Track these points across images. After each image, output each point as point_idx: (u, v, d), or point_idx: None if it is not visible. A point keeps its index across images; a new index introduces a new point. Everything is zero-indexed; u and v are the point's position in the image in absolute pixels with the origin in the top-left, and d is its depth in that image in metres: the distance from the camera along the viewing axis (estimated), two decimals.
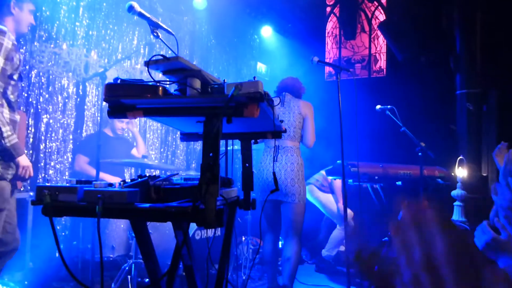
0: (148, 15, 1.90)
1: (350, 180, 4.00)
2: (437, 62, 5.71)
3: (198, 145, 5.71)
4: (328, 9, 7.38)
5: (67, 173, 4.11)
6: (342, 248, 4.90)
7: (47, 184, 1.35)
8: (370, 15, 7.05)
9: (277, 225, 3.57)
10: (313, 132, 3.54)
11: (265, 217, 3.55)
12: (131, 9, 1.88)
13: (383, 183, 4.10)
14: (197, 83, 1.27)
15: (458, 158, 3.96)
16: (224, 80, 1.28)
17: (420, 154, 3.85)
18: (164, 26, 1.92)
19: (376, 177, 3.98)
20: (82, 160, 3.99)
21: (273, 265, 3.59)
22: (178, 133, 2.03)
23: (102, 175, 3.84)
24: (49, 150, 3.98)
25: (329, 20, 7.39)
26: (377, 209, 4.38)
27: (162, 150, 5.29)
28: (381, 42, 6.96)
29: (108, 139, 4.07)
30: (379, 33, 6.82)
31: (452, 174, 4.15)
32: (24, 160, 2.41)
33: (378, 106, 4.10)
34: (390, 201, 4.35)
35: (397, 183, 4.09)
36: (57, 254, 3.58)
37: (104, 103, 2.00)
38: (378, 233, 4.46)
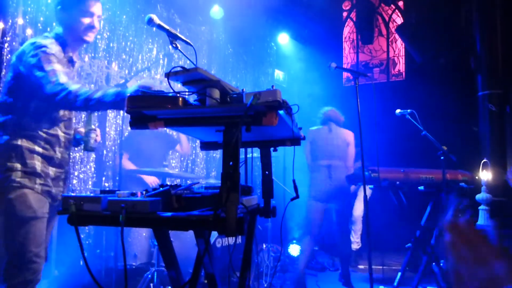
0: (167, 27, 1.94)
1: (371, 186, 3.96)
2: (457, 64, 5.62)
3: (217, 153, 5.74)
4: (345, 14, 7.37)
5: (90, 183, 4.19)
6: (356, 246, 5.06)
7: (72, 194, 1.39)
8: (387, 19, 7.00)
9: (319, 230, 4.31)
10: (353, 156, 4.44)
11: (311, 222, 4.26)
12: (150, 21, 1.92)
13: (405, 188, 4.04)
14: (216, 93, 1.29)
15: (482, 161, 3.87)
16: (242, 90, 1.29)
17: (442, 158, 3.78)
18: (182, 37, 1.96)
19: (398, 182, 3.93)
20: (124, 157, 4.10)
21: (304, 268, 4.18)
22: (198, 141, 2.05)
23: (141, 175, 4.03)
24: (73, 160, 4.07)
25: (345, 25, 7.37)
26: (399, 214, 4.32)
27: (182, 158, 5.34)
28: (399, 45, 6.90)
29: (149, 136, 4.20)
30: (397, 36, 6.76)
31: (476, 177, 4.05)
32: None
33: (397, 110, 4.04)
34: (412, 206, 4.28)
35: (419, 188, 4.03)
36: (81, 262, 3.65)
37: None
38: (401, 238, 4.39)
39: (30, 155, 2.14)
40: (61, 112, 2.28)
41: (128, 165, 4.08)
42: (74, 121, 2.45)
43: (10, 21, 3.48)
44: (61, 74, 2.07)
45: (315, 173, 4.41)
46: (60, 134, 2.29)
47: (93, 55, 4.27)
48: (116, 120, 4.47)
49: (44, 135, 2.20)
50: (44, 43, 2.15)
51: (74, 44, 2.33)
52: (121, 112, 4.40)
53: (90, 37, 2.33)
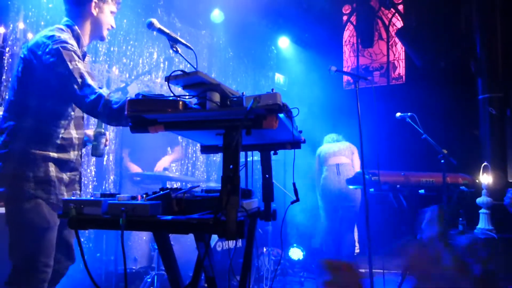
0: (167, 31, 1.94)
1: (372, 189, 3.95)
2: (457, 67, 5.62)
3: (217, 157, 5.75)
4: (345, 18, 7.39)
5: (90, 186, 4.19)
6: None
7: (73, 198, 1.39)
8: (387, 22, 7.02)
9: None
10: (359, 164, 4.66)
11: (329, 224, 4.77)
12: (150, 25, 1.92)
13: (405, 191, 4.03)
14: (216, 97, 1.29)
15: (483, 165, 3.87)
16: (242, 93, 1.30)
17: (442, 161, 3.78)
18: (182, 41, 1.96)
19: (398, 186, 3.92)
20: (125, 154, 4.11)
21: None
22: (198, 145, 2.05)
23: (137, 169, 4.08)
24: None
25: (346, 29, 7.39)
26: (399, 217, 4.31)
27: (182, 162, 5.34)
28: (399, 49, 6.91)
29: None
30: (397, 40, 6.77)
31: (477, 181, 4.05)
32: None
33: (398, 114, 4.05)
34: (413, 209, 4.27)
35: (419, 191, 4.02)
36: (81, 266, 3.65)
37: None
38: (400, 241, 4.38)
39: (44, 162, 2.00)
40: (75, 111, 2.13)
41: (131, 165, 4.10)
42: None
43: (11, 25, 3.50)
44: (87, 75, 1.93)
45: (324, 173, 4.81)
46: (74, 136, 2.14)
47: (93, 59, 4.27)
48: (117, 126, 4.47)
49: (59, 140, 2.06)
50: (63, 37, 1.98)
51: (89, 39, 2.23)
52: None
53: (106, 35, 2.28)
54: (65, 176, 2.11)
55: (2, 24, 3.47)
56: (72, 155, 2.13)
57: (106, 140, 2.27)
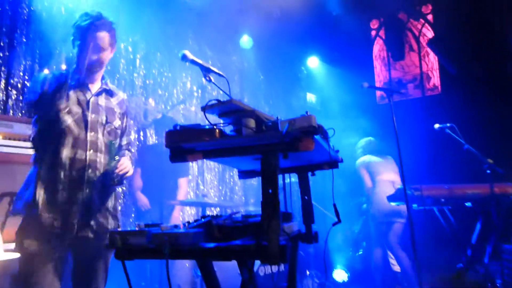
0: (199, 61, 2.00)
1: (415, 205, 3.82)
2: (494, 71, 5.42)
3: (255, 181, 5.76)
4: (373, 32, 7.34)
5: (132, 215, 4.29)
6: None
7: (118, 229, 1.43)
8: (417, 33, 6.91)
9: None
10: None
11: (379, 235, 4.67)
12: (184, 57, 1.98)
13: (451, 205, 3.87)
14: (252, 123, 1.31)
15: None
16: (277, 117, 1.31)
17: (488, 171, 3.62)
18: (215, 69, 2.01)
19: (442, 200, 3.77)
20: (137, 172, 4.04)
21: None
22: (235, 170, 2.07)
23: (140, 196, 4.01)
24: None
25: (375, 44, 7.34)
26: (447, 233, 4.13)
27: (220, 188, 5.39)
28: (432, 59, 6.77)
29: (162, 151, 4.03)
30: (428, 50, 6.65)
31: None
32: None
33: (436, 125, 3.93)
34: (460, 223, 4.08)
35: (466, 204, 3.85)
36: None
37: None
38: (451, 258, 4.18)
39: (34, 183, 2.02)
40: (72, 131, 2.08)
41: (139, 182, 4.04)
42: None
43: (54, 67, 3.71)
44: None
45: (377, 188, 4.64)
46: (65, 156, 2.04)
47: (131, 92, 4.45)
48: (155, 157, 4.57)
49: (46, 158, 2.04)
50: None
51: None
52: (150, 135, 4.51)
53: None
54: (61, 197, 2.01)
55: (46, 67, 3.69)
56: (62, 175, 2.02)
57: (117, 168, 2.13)
